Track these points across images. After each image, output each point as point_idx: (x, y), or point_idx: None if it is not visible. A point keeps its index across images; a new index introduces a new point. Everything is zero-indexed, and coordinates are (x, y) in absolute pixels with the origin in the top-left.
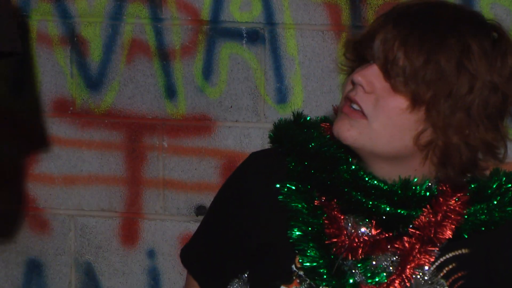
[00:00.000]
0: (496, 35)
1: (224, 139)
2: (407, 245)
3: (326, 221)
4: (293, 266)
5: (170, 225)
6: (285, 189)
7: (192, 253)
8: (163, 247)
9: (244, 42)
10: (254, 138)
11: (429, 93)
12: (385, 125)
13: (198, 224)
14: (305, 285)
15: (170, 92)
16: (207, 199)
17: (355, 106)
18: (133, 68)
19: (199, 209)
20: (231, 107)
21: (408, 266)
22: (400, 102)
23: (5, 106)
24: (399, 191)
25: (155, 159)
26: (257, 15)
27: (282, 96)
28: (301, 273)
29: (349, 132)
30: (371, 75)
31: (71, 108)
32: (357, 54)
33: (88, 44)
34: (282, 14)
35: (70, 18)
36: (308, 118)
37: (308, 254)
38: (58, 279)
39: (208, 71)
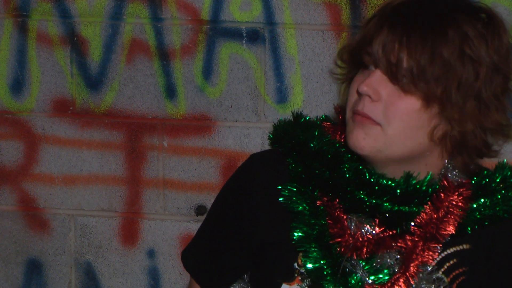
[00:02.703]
0: (485, 16)
1: (224, 139)
2: (409, 243)
3: (329, 221)
4: (295, 264)
5: (170, 225)
6: (286, 191)
7: (193, 256)
8: (163, 247)
9: (244, 42)
10: (254, 138)
11: (440, 88)
12: (399, 129)
13: (198, 224)
14: (307, 283)
15: (170, 92)
16: (207, 199)
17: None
18: (133, 68)
19: (199, 209)
20: (231, 107)
21: (412, 264)
22: (412, 103)
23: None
24: (401, 186)
25: (155, 159)
26: (257, 15)
27: (282, 96)
28: (303, 270)
29: (365, 140)
30: (375, 82)
31: (71, 108)
32: (354, 61)
33: (88, 44)
34: (282, 14)
35: (70, 18)
36: (308, 118)
37: (311, 255)
38: (58, 279)
39: (208, 71)
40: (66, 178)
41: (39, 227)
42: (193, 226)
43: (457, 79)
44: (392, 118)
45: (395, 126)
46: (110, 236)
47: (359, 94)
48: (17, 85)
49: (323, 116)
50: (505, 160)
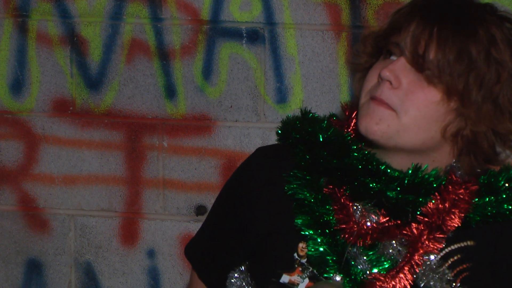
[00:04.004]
0: (510, 25)
1: (224, 139)
2: (415, 231)
3: (335, 207)
4: (295, 254)
5: (170, 225)
6: (292, 178)
7: (195, 245)
8: (163, 247)
9: (244, 42)
10: (254, 138)
11: (462, 85)
12: (414, 118)
13: (198, 224)
14: (308, 273)
15: (170, 92)
16: (207, 199)
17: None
18: (133, 68)
19: (199, 209)
20: (231, 107)
21: (417, 253)
22: (432, 95)
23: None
24: (409, 177)
25: (155, 159)
26: (257, 15)
27: (282, 96)
28: (304, 261)
29: (378, 126)
30: (398, 69)
31: (71, 108)
32: (378, 49)
33: (88, 44)
34: (282, 14)
35: (70, 18)
36: (316, 115)
37: (315, 241)
38: (58, 279)
39: (208, 71)
40: (66, 178)
41: (39, 227)
42: (193, 226)
43: (480, 78)
44: (410, 106)
45: (411, 115)
46: (110, 236)
47: (379, 80)
48: (17, 85)
49: (331, 114)
50: (509, 163)
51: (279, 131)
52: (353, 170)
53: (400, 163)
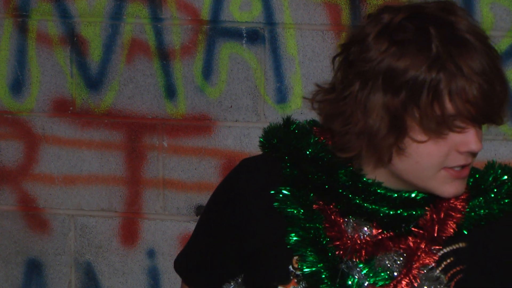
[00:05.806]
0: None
1: (224, 139)
2: (411, 244)
3: (326, 225)
4: (290, 267)
5: (170, 225)
6: (280, 195)
7: (185, 260)
8: (163, 247)
9: (244, 42)
10: (254, 138)
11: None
12: None
13: None
14: (303, 285)
15: (170, 92)
16: (207, 199)
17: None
18: (133, 68)
19: (199, 209)
20: (231, 107)
21: (414, 266)
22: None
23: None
24: (402, 196)
25: (155, 159)
26: (257, 15)
27: (282, 96)
28: (299, 272)
29: (463, 187)
30: (480, 136)
31: (71, 108)
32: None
33: (88, 44)
34: (282, 14)
35: (70, 18)
36: (297, 122)
37: (308, 259)
38: (58, 279)
39: (208, 71)
40: (66, 178)
41: (39, 227)
42: (193, 226)
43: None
44: None
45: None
46: (110, 236)
47: (462, 152)
48: (17, 85)
49: (311, 121)
50: (494, 159)
51: (262, 140)
52: (341, 187)
53: (394, 182)
